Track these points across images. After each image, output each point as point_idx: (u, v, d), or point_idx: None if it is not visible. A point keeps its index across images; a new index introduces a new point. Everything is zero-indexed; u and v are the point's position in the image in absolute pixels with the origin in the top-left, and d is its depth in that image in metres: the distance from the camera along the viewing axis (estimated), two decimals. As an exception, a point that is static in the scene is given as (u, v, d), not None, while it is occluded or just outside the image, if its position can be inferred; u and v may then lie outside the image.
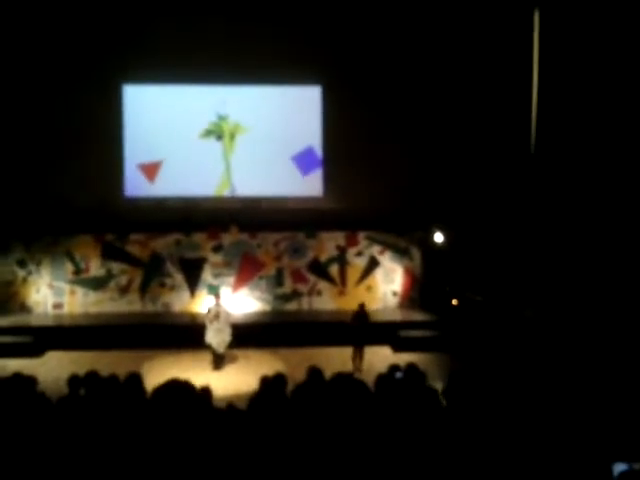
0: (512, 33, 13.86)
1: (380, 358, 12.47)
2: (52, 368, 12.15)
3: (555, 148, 13.18)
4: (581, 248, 12.48)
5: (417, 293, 15.82)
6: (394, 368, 6.42)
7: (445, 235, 14.80)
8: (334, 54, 15.30)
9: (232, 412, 4.90)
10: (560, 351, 10.84)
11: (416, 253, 15.79)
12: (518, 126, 13.84)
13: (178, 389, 4.09)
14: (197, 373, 11.25)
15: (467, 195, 14.79)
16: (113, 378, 5.92)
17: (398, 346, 13.55)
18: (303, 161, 15.75)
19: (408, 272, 15.81)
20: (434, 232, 14.91)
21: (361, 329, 12.54)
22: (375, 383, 5.65)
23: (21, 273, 15.21)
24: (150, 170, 15.61)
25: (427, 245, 15.41)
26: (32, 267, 15.20)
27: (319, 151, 15.80)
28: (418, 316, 15.06)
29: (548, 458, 4.28)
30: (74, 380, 6.30)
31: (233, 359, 12.80)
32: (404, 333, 13.95)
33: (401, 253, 15.82)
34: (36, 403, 5.41)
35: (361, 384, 5.16)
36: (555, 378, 8.00)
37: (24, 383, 5.70)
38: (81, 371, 6.41)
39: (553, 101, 13.27)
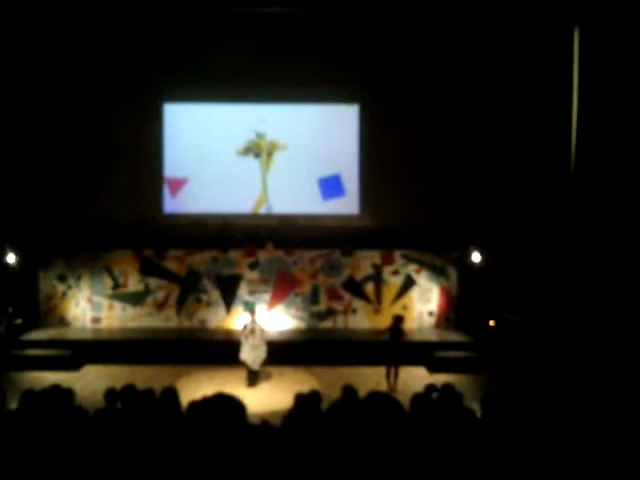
0: (552, 52, 13.76)
1: (415, 378, 12.35)
2: (89, 381, 12.29)
3: (595, 168, 12.99)
4: (621, 268, 12.24)
5: (453, 313, 15.65)
6: (430, 388, 6.34)
7: (483, 255, 14.65)
8: (372, 73, 15.42)
9: (266, 429, 4.89)
10: (601, 373, 10.59)
11: (453, 273, 15.63)
12: (558, 146, 13.68)
13: (213, 404, 4.09)
14: (231, 389, 11.22)
15: (505, 214, 14.65)
16: (149, 392, 5.95)
17: (434, 367, 13.39)
18: (327, 186, 15.83)
19: (444, 292, 15.67)
20: (471, 251, 14.77)
21: (394, 345, 12.36)
22: (411, 402, 5.58)
23: (61, 287, 15.47)
24: (174, 185, 15.82)
25: (464, 265, 15.26)
26: (72, 281, 15.46)
27: (347, 179, 15.85)
28: (454, 336, 14.87)
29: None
30: (111, 393, 6.36)
31: (267, 376, 12.79)
32: (440, 354, 13.79)
33: (438, 272, 15.68)
34: (73, 415, 5.46)
35: (396, 403, 5.09)
36: (596, 401, 7.82)
37: (62, 395, 5.77)
38: (117, 385, 6.46)
39: (593, 120, 13.10)
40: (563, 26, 13.48)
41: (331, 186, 15.84)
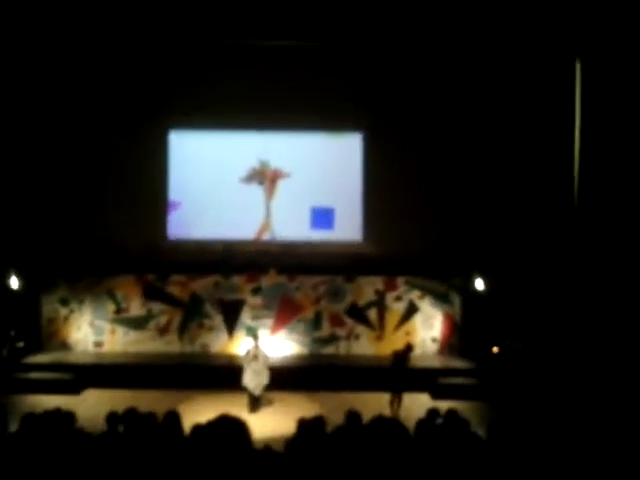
0: (553, 84, 13.85)
1: (419, 405, 12.22)
2: (91, 406, 12.17)
3: (598, 193, 13.01)
4: (625, 295, 12.20)
5: (457, 340, 15.57)
6: (433, 413, 6.30)
7: (486, 281, 14.61)
8: (375, 102, 15.51)
9: (269, 454, 4.84)
10: (606, 400, 10.50)
11: (456, 299, 15.58)
12: (561, 173, 13.71)
13: (218, 427, 4.06)
14: (233, 415, 11.15)
15: (508, 241, 14.64)
16: (151, 415, 5.91)
17: (437, 393, 13.31)
18: (318, 216, 15.84)
19: (448, 318, 15.60)
20: (475, 278, 14.75)
21: (397, 371, 12.31)
22: (415, 428, 5.54)
23: (63, 311, 15.44)
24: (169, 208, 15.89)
25: (467, 291, 15.22)
26: (74, 305, 15.43)
27: (346, 210, 15.84)
28: (458, 363, 14.80)
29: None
30: (112, 417, 6.33)
31: (269, 402, 12.71)
32: (443, 380, 13.71)
33: (441, 299, 15.63)
34: (74, 438, 5.42)
35: (401, 428, 5.05)
36: (602, 429, 7.74)
37: (63, 418, 5.73)
38: (119, 409, 6.42)
39: (596, 152, 13.15)
40: (564, 58, 13.56)
41: (322, 218, 15.86)
